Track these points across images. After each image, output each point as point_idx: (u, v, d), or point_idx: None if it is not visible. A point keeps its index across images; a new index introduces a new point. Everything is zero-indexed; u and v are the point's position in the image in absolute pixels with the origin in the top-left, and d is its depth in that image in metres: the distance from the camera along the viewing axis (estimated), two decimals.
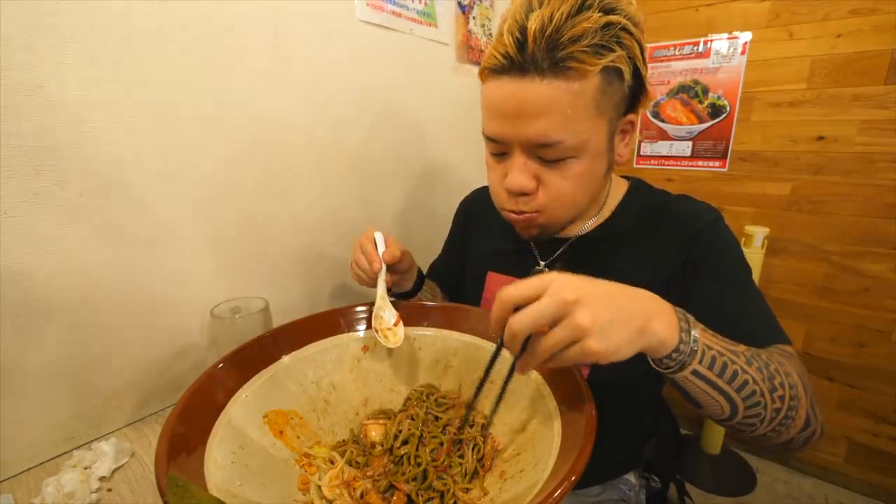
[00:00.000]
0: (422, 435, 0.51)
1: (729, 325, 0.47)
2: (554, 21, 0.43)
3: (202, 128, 0.69)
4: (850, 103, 1.21)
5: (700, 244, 0.55)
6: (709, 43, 1.36)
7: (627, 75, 0.47)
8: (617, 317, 0.34)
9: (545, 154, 0.49)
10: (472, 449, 0.49)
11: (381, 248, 0.63)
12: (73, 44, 0.54)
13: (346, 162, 0.94)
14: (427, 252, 0.89)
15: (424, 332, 0.62)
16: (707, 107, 1.41)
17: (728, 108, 1.38)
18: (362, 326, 0.62)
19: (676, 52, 1.42)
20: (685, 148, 1.49)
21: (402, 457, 0.49)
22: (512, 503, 0.40)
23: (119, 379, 0.65)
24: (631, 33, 0.46)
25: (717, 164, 1.44)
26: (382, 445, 0.51)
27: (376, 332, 0.58)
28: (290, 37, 0.78)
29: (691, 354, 0.38)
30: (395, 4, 0.97)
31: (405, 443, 0.51)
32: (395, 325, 0.60)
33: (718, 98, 1.39)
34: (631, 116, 0.53)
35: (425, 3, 1.05)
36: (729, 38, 1.33)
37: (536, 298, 0.34)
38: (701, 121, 1.43)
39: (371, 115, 0.97)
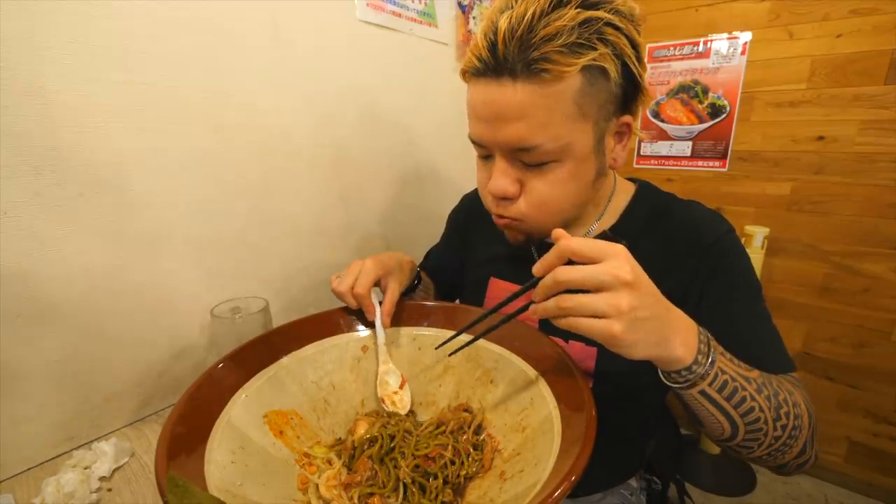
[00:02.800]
0: (393, 436, 0.50)
1: (742, 348, 0.46)
2: (525, 20, 0.41)
3: (202, 128, 0.69)
4: (850, 103, 1.21)
5: (711, 257, 0.52)
6: (709, 43, 1.36)
7: (615, 74, 0.44)
8: (652, 316, 0.35)
9: (525, 158, 0.48)
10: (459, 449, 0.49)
11: (376, 307, 0.59)
12: (73, 44, 0.54)
13: (345, 162, 0.94)
14: (422, 250, 0.89)
15: (424, 332, 0.62)
16: (707, 107, 1.41)
17: (728, 108, 1.38)
18: (362, 326, 0.61)
19: (676, 52, 1.42)
20: (685, 148, 1.49)
21: (382, 459, 0.48)
22: (512, 503, 0.40)
23: (119, 379, 0.65)
24: (618, 28, 0.42)
25: (717, 164, 1.44)
26: (356, 447, 0.50)
27: (382, 401, 0.56)
28: (290, 37, 0.78)
29: (703, 376, 0.39)
30: (395, 4, 0.97)
31: (374, 443, 0.50)
32: (401, 387, 0.58)
33: (718, 98, 1.39)
34: (626, 118, 0.50)
35: (425, 3, 1.05)
36: (729, 38, 1.33)
37: (595, 262, 0.34)
38: (701, 121, 1.43)
39: (371, 116, 0.97)
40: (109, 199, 0.60)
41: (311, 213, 0.89)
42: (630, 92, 0.48)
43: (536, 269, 0.36)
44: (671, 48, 1.43)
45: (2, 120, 0.50)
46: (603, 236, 0.33)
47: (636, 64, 0.45)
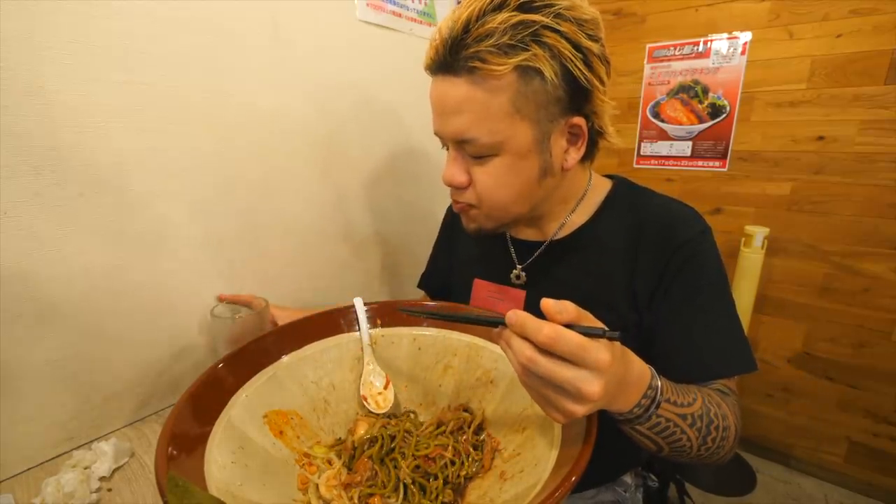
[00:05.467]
0: (394, 436, 0.51)
1: (693, 352, 0.51)
2: (462, 21, 0.44)
3: (202, 128, 0.69)
4: (850, 103, 1.21)
5: (680, 258, 0.52)
6: (709, 43, 1.36)
7: (551, 76, 0.45)
8: (601, 405, 0.36)
9: (469, 150, 0.51)
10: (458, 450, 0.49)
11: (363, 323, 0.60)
12: (73, 44, 0.54)
13: (345, 161, 0.94)
14: (420, 249, 0.89)
15: (425, 332, 0.62)
16: (707, 107, 1.41)
17: (728, 108, 1.38)
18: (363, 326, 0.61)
19: (676, 52, 1.42)
20: (685, 148, 1.49)
21: (382, 459, 0.49)
22: (512, 503, 0.40)
23: (119, 379, 0.65)
24: (558, 31, 0.43)
25: (717, 164, 1.44)
26: (356, 447, 0.50)
27: (365, 399, 0.56)
28: (291, 37, 0.78)
29: (637, 421, 0.40)
30: (395, 4, 0.97)
31: (374, 443, 0.50)
32: (385, 388, 0.58)
33: (718, 98, 1.39)
34: (576, 120, 0.50)
35: (425, 3, 1.05)
36: (729, 38, 1.33)
37: (570, 360, 0.32)
38: (701, 121, 1.43)
39: (371, 115, 0.97)
40: (109, 199, 0.60)
41: (310, 213, 0.89)
42: (577, 95, 0.48)
43: (511, 321, 0.33)
44: (671, 48, 1.43)
45: (2, 120, 0.50)
46: (596, 332, 0.32)
47: (581, 67, 0.45)
